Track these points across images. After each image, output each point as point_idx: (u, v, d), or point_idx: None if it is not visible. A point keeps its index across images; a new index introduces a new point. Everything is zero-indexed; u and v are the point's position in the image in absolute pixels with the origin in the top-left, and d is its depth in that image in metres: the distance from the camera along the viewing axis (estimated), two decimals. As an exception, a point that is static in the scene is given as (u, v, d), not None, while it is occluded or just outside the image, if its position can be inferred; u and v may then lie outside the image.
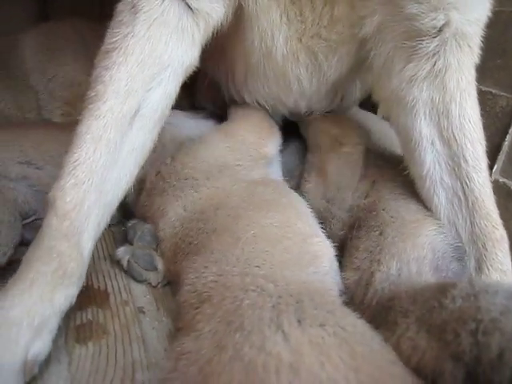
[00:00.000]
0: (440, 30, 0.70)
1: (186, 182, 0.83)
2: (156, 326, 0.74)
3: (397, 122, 0.79)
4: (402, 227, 0.75)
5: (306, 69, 0.83)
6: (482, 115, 0.87)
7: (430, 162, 0.76)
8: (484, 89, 0.89)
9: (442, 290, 0.51)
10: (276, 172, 0.96)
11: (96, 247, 0.88)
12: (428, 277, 0.68)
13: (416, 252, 0.71)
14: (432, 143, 0.76)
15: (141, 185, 0.90)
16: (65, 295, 0.63)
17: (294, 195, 0.85)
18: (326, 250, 0.72)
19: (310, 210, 0.83)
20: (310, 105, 0.93)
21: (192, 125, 1.00)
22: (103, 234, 0.89)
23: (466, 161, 0.74)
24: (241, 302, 0.51)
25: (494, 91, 0.87)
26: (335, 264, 0.74)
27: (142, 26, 0.64)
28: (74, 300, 0.65)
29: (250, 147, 0.89)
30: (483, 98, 0.90)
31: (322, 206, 0.89)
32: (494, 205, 0.75)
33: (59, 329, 0.66)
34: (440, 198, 0.77)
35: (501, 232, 0.73)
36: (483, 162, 0.74)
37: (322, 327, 0.47)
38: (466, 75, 0.73)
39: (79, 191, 0.62)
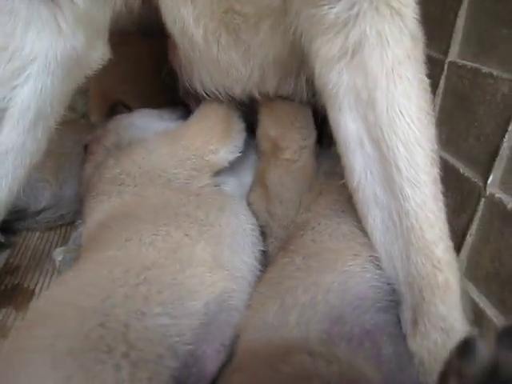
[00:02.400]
0: None
1: (117, 188, 0.73)
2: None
3: (328, 118, 0.58)
4: (315, 256, 0.55)
5: (235, 51, 0.66)
6: (481, 106, 0.60)
7: (361, 170, 0.55)
8: (485, 70, 0.60)
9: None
10: (233, 182, 0.79)
11: (50, 245, 0.85)
12: (304, 330, 0.48)
13: (310, 294, 0.50)
14: (361, 144, 0.54)
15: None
16: None
17: (235, 215, 0.68)
18: (211, 286, 0.56)
19: (252, 235, 0.67)
20: (264, 92, 0.75)
21: (161, 126, 0.87)
22: (64, 231, 0.88)
23: (398, 170, 0.50)
24: None
25: (495, 73, 0.58)
26: (235, 301, 0.57)
27: None
28: None
29: (193, 154, 0.74)
30: (483, 84, 0.61)
31: (265, 220, 0.72)
32: (442, 235, 0.50)
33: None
34: (375, 220, 0.55)
35: (445, 275, 0.49)
36: (424, 172, 0.50)
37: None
38: (393, 50, 0.49)
39: None
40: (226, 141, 0.76)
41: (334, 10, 0.49)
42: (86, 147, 0.85)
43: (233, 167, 0.79)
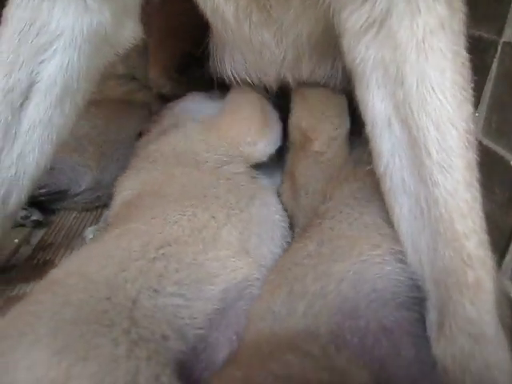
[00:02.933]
0: None
1: (148, 164, 0.73)
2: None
3: (356, 97, 0.54)
4: (329, 243, 0.51)
5: (267, 30, 0.62)
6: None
7: (388, 154, 0.50)
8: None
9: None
10: (268, 174, 0.75)
11: (84, 225, 0.86)
12: (312, 322, 0.43)
13: (321, 283, 0.46)
14: (389, 125, 0.49)
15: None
16: None
17: (265, 205, 0.65)
18: (233, 271, 0.53)
19: (282, 227, 0.64)
20: (298, 77, 0.71)
21: (211, 107, 0.86)
22: (99, 212, 0.88)
23: (428, 154, 0.45)
24: None
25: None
26: (255, 290, 0.54)
27: None
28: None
29: (226, 142, 0.71)
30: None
31: (291, 210, 0.68)
32: (476, 227, 0.44)
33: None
34: (402, 209, 0.50)
35: (477, 273, 0.43)
36: (457, 156, 0.44)
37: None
38: (424, 18, 0.44)
39: None
40: (264, 132, 0.72)
41: (360, -26, 0.44)
42: (140, 134, 0.85)
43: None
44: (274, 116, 0.76)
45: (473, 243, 0.43)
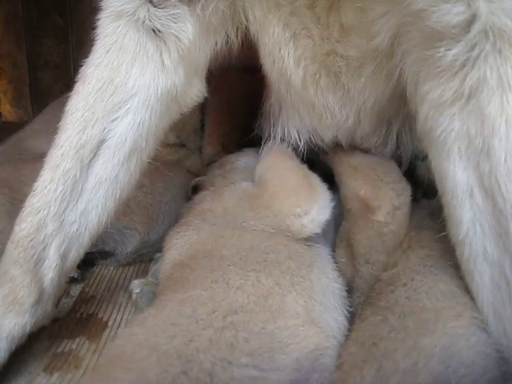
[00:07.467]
0: (465, 30, 0.46)
1: (198, 222, 0.72)
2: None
3: (432, 165, 0.55)
4: (411, 316, 0.50)
5: (333, 95, 0.64)
6: None
7: (469, 223, 0.50)
8: None
9: None
10: (322, 241, 0.71)
11: (125, 277, 0.84)
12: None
13: (411, 360, 0.45)
14: (470, 195, 0.50)
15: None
16: (15, 322, 0.58)
17: (324, 273, 0.64)
18: (304, 340, 0.51)
19: (341, 295, 0.63)
20: (351, 141, 0.72)
21: None
22: (140, 265, 0.87)
23: None
24: None
25: None
26: (327, 360, 0.51)
27: (98, 53, 0.59)
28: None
29: (273, 214, 0.68)
30: None
31: (351, 276, 0.67)
32: None
33: (32, 354, 0.64)
34: (483, 277, 0.50)
35: None
36: None
37: None
38: None
39: (33, 220, 0.58)
40: (313, 199, 0.68)
41: (452, 52, 0.46)
42: (194, 188, 0.86)
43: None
44: (317, 180, 0.72)
45: None
